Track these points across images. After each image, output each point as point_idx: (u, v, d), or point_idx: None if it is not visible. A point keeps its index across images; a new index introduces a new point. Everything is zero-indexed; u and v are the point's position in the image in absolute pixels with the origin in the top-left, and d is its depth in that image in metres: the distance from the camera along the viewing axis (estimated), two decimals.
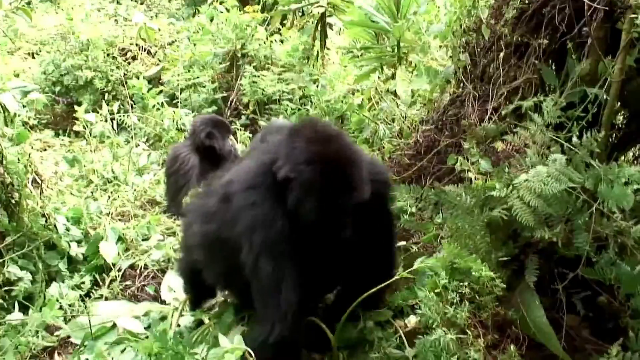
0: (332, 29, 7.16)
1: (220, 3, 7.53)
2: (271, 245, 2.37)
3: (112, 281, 3.78)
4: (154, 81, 7.26)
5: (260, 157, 2.57)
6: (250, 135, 6.05)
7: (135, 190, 5.23)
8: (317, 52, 6.70)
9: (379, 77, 5.62)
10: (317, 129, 2.49)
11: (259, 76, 6.53)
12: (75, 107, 5.90)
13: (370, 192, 2.45)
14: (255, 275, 2.44)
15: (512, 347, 2.63)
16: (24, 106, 5.04)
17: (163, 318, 3.36)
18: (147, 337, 3.02)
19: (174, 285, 3.64)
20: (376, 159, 3.03)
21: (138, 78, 6.87)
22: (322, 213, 2.35)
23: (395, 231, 3.05)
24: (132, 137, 6.09)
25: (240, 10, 7.20)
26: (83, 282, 3.70)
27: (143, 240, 4.24)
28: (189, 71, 6.94)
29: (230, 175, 2.71)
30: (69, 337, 3.31)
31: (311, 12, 7.03)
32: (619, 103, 3.11)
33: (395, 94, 5.24)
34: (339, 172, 2.35)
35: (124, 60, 7.53)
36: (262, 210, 2.40)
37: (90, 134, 5.91)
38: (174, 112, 6.27)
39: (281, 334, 2.37)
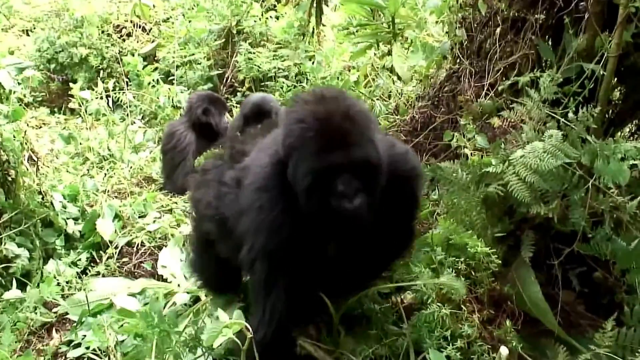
0: (327, 5, 7.10)
1: None
2: (270, 253, 2.30)
3: (109, 258, 3.79)
4: (149, 58, 7.23)
5: (273, 146, 2.37)
6: None
7: (131, 167, 5.24)
8: (313, 28, 6.66)
9: (374, 54, 5.61)
10: (316, 92, 2.28)
11: (254, 53, 6.50)
12: (71, 85, 5.88)
13: (392, 179, 2.26)
14: (250, 273, 2.43)
15: (507, 322, 2.65)
16: (19, 83, 5.03)
17: (162, 295, 3.37)
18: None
19: (169, 262, 3.65)
20: (404, 146, 2.65)
21: (133, 55, 6.85)
22: (316, 175, 2.11)
23: (416, 218, 2.79)
24: (127, 114, 6.07)
25: None
26: (80, 260, 3.72)
27: (140, 217, 4.25)
28: (184, 48, 6.91)
29: (248, 160, 2.56)
30: (66, 313, 3.32)
31: None
32: (615, 78, 3.10)
33: (391, 70, 5.23)
34: (333, 126, 2.11)
35: (119, 37, 7.51)
36: (268, 216, 2.25)
37: (86, 112, 5.90)
38: (169, 89, 6.25)
39: (265, 338, 2.36)
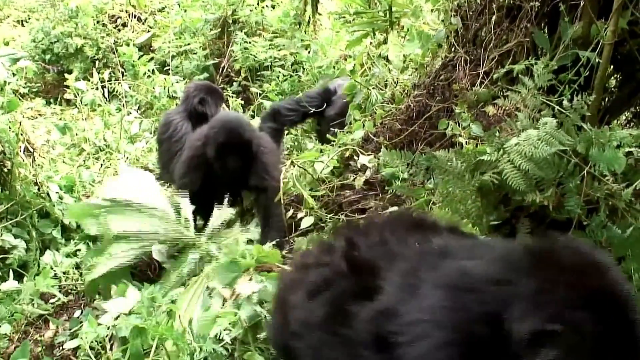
0: None
1: None
2: None
3: None
4: (145, 48, 7.22)
5: (459, 297, 1.51)
6: (242, 102, 6.05)
7: (127, 158, 5.23)
8: (309, 17, 6.65)
9: (370, 43, 5.59)
10: (568, 252, 1.53)
11: (250, 42, 6.50)
12: (66, 75, 5.89)
13: None
14: None
15: None
16: (13, 74, 5.02)
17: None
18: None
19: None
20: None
21: (128, 45, 6.83)
22: None
23: None
24: (123, 105, 6.07)
25: None
26: (79, 250, 3.72)
27: None
28: (179, 38, 6.90)
29: (389, 301, 1.64)
30: (64, 304, 3.33)
31: None
32: (611, 66, 3.10)
33: (387, 59, 5.21)
34: (622, 322, 1.39)
35: (114, 28, 7.49)
36: None
37: (82, 102, 5.90)
38: (165, 79, 6.24)
39: None
